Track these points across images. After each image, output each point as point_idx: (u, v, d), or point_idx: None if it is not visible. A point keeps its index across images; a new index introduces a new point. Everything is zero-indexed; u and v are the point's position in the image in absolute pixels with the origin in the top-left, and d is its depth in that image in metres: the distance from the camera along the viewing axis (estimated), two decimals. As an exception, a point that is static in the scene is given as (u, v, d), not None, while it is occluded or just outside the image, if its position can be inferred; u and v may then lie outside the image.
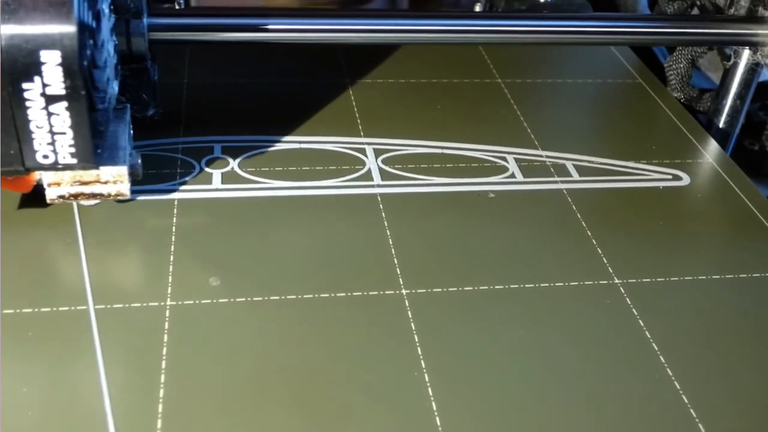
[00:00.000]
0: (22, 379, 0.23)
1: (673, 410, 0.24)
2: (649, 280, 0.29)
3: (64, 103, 0.24)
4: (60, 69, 0.24)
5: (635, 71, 0.45)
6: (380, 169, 0.34)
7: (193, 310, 0.26)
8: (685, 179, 0.36)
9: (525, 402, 0.24)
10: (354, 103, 0.39)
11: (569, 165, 0.36)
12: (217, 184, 0.32)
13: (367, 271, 0.28)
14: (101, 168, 0.27)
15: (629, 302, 0.28)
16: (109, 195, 0.28)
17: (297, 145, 0.35)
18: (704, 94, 0.45)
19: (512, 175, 0.34)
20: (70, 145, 0.25)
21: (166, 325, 0.25)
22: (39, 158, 0.25)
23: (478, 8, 0.52)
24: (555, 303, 0.28)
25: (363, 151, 0.35)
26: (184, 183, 0.32)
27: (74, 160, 0.26)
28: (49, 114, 0.24)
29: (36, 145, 0.25)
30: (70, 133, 0.25)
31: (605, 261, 0.30)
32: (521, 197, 0.33)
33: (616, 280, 0.29)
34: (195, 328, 0.25)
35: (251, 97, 0.39)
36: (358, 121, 0.37)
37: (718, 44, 0.43)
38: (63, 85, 0.24)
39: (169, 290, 0.27)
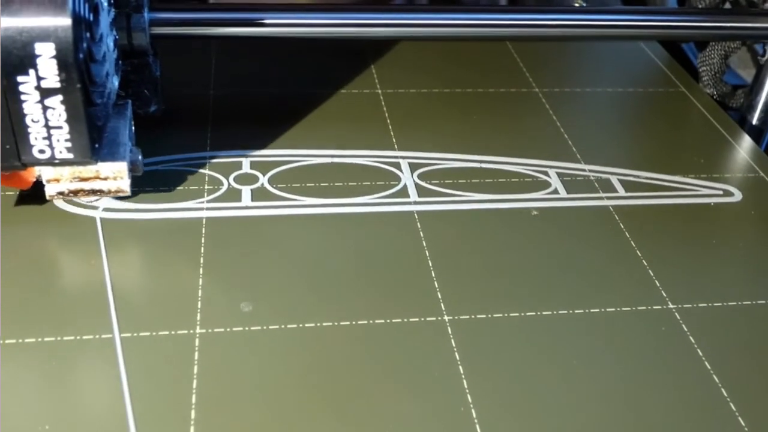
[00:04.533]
0: (44, 413, 0.22)
1: (739, 450, 0.23)
2: (705, 305, 0.28)
3: (60, 97, 0.24)
4: (54, 62, 0.23)
5: (676, 78, 0.43)
6: (416, 184, 0.32)
7: (224, 338, 0.25)
8: (737, 195, 0.34)
9: (580, 441, 0.22)
10: (387, 115, 0.37)
11: (614, 180, 0.34)
12: (246, 201, 0.30)
13: (406, 296, 0.27)
14: (101, 164, 0.27)
15: (685, 329, 0.27)
16: (110, 191, 0.28)
17: (329, 159, 0.34)
18: (737, 90, 0.44)
19: (555, 191, 0.33)
20: (66, 140, 0.25)
21: (196, 356, 0.24)
22: (35, 153, 0.25)
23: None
24: (607, 330, 0.26)
25: (398, 166, 0.33)
26: (213, 200, 0.30)
27: (71, 155, 0.25)
28: (45, 108, 0.24)
29: (32, 140, 0.25)
30: (66, 128, 0.25)
31: (658, 284, 0.28)
32: (566, 215, 0.31)
33: (671, 305, 0.27)
34: (226, 358, 0.24)
35: (280, 108, 0.37)
36: (392, 133, 0.36)
37: (752, 39, 0.42)
38: (58, 78, 0.24)
39: (199, 317, 0.25)
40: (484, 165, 0.34)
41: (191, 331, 0.25)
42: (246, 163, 0.33)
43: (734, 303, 0.28)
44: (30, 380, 0.23)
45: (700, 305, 0.28)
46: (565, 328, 0.26)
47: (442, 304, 0.27)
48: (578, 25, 0.37)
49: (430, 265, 0.28)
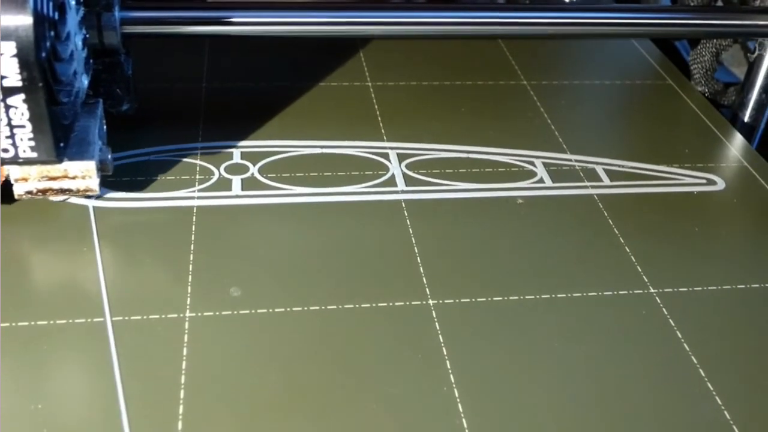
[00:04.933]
0: (37, 395, 0.22)
1: (715, 428, 0.23)
2: (685, 289, 0.28)
3: (22, 96, 0.24)
4: (15, 60, 0.23)
5: (664, 72, 0.44)
6: (404, 174, 0.33)
7: (213, 321, 0.25)
8: (720, 183, 0.34)
9: (560, 418, 0.23)
10: (376, 106, 0.38)
11: (599, 169, 0.34)
12: (237, 190, 0.31)
13: (393, 281, 0.27)
14: (69, 163, 0.27)
15: (665, 312, 0.27)
16: (78, 191, 0.28)
17: (318, 150, 0.34)
18: (729, 87, 0.44)
19: (541, 180, 0.33)
20: (30, 139, 0.25)
21: (186, 338, 0.25)
22: (3, 152, 0.25)
23: None
24: (589, 314, 0.27)
25: (386, 156, 0.34)
26: (204, 189, 0.31)
27: (35, 154, 0.25)
28: (7, 107, 0.24)
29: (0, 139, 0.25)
30: (29, 126, 0.25)
31: (639, 269, 0.29)
32: (551, 203, 0.32)
33: (652, 290, 0.28)
34: (215, 341, 0.25)
35: (271, 100, 0.38)
36: (381, 124, 0.36)
37: (743, 36, 0.42)
38: (19, 77, 0.23)
39: (189, 301, 0.26)
40: (471, 155, 0.35)
41: (181, 315, 0.25)
42: (237, 153, 0.33)
43: (714, 287, 0.28)
44: (23, 362, 0.23)
45: (681, 290, 0.28)
46: (548, 312, 0.27)
47: (427, 289, 0.27)
48: (571, 23, 0.37)
49: (417, 251, 0.29)
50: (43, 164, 0.26)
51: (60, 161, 0.26)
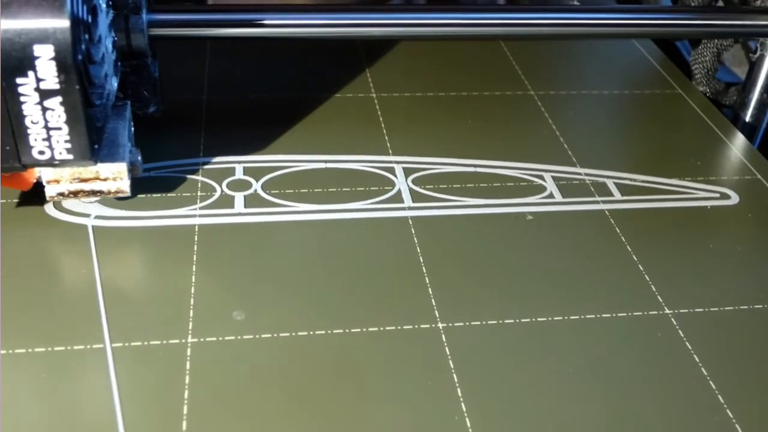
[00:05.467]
0: (35, 426, 0.21)
1: (736, 457, 0.22)
2: (701, 309, 0.27)
3: (59, 98, 0.24)
4: (53, 63, 0.23)
5: (672, 79, 0.43)
6: (411, 189, 0.32)
7: (216, 347, 0.24)
8: (734, 198, 0.34)
9: (576, 449, 0.22)
10: (381, 119, 0.37)
11: (610, 183, 0.34)
12: (239, 207, 0.30)
13: (400, 303, 0.27)
14: (100, 165, 0.27)
15: (682, 335, 0.26)
16: (109, 192, 0.28)
17: (323, 165, 0.33)
18: (730, 87, 0.44)
19: (550, 195, 0.32)
20: (66, 141, 0.25)
21: (188, 365, 0.24)
22: (35, 154, 0.25)
23: None
24: (603, 336, 0.26)
25: (392, 171, 0.33)
26: (205, 207, 0.30)
27: (70, 156, 0.25)
28: (44, 109, 0.24)
29: (32, 141, 0.25)
30: (65, 129, 0.25)
31: (654, 289, 0.28)
32: (561, 219, 0.31)
33: (667, 311, 0.27)
34: (218, 368, 0.24)
35: (274, 112, 0.37)
36: (386, 137, 0.36)
37: (744, 36, 0.41)
38: (57, 80, 0.24)
39: (191, 326, 0.25)
40: (479, 169, 0.34)
41: (183, 341, 0.25)
42: (239, 168, 0.33)
43: (731, 308, 0.28)
44: (21, 392, 0.23)
45: (697, 310, 0.27)
46: (561, 335, 0.26)
47: (436, 311, 0.26)
48: (572, 24, 0.36)
49: (425, 271, 0.28)
50: (78, 166, 0.27)
51: (95, 163, 0.26)
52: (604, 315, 0.27)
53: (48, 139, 0.25)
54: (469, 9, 0.36)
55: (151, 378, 0.23)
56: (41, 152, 0.25)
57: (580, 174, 0.34)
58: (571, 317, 0.27)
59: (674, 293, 0.28)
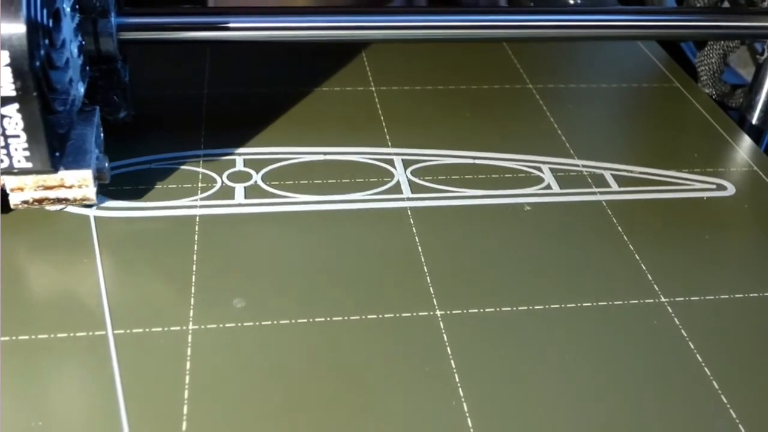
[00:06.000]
0: (37, 411, 0.22)
1: (730, 442, 0.23)
2: (697, 298, 0.28)
3: (15, 105, 0.23)
4: (9, 70, 0.23)
5: (671, 74, 0.43)
6: (409, 181, 0.32)
7: (217, 334, 0.25)
8: (730, 189, 0.34)
9: (573, 430, 0.22)
10: (380, 112, 0.37)
11: (607, 175, 0.34)
12: (239, 198, 0.31)
13: (399, 291, 0.27)
14: (65, 172, 0.26)
15: (677, 323, 0.27)
16: (75, 200, 0.27)
17: (322, 157, 0.34)
18: (736, 89, 0.44)
19: (548, 187, 0.33)
20: (24, 149, 0.25)
21: (189, 352, 0.24)
22: None
23: None
24: (599, 324, 0.26)
25: (391, 162, 0.34)
26: (206, 198, 0.30)
27: (30, 164, 0.25)
28: (1, 116, 0.24)
29: None
30: (23, 136, 0.24)
31: (650, 278, 0.28)
32: (558, 210, 0.32)
33: (663, 299, 0.28)
34: (219, 354, 0.24)
35: (274, 106, 0.37)
36: (386, 130, 0.36)
37: (750, 38, 0.41)
38: (13, 87, 0.23)
39: (191, 313, 0.25)
40: (477, 161, 0.34)
41: (184, 328, 0.25)
42: (239, 160, 0.33)
43: (726, 296, 0.28)
44: (24, 377, 0.23)
45: (692, 299, 0.28)
46: (557, 323, 0.26)
47: (434, 299, 0.27)
48: (575, 26, 0.36)
49: (423, 260, 0.28)
50: (38, 174, 0.26)
51: (56, 171, 0.26)
52: (600, 303, 0.27)
53: (6, 147, 0.24)
54: (472, 11, 0.36)
55: (153, 364, 0.24)
56: (4, 160, 0.25)
57: (577, 165, 0.34)
58: (568, 305, 0.27)
59: (670, 282, 0.28)
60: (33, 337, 0.24)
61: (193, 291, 0.26)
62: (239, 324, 0.25)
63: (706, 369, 0.25)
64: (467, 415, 0.23)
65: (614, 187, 0.33)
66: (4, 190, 0.27)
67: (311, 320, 0.25)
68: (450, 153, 0.35)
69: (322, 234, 0.29)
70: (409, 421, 0.22)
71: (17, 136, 0.24)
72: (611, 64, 0.45)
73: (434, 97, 0.39)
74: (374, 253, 0.29)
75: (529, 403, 0.23)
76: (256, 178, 0.32)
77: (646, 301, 0.27)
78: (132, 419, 0.22)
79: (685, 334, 0.26)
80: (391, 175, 0.33)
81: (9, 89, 0.23)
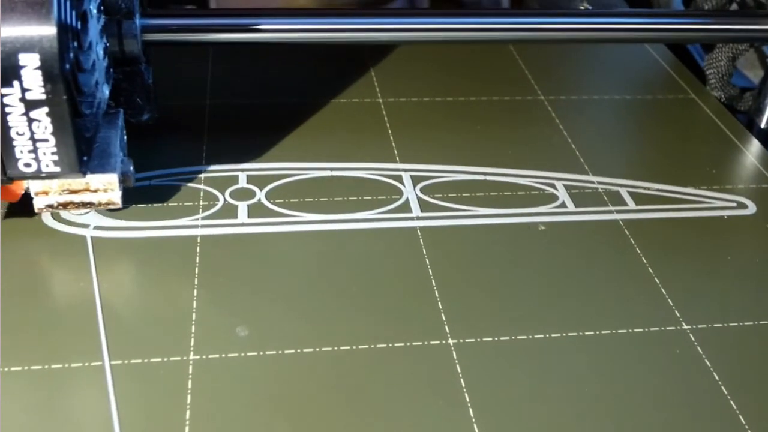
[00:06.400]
0: (30, 450, 0.21)
1: (760, 482, 0.21)
2: (720, 325, 0.27)
3: (45, 109, 0.23)
4: (39, 73, 0.22)
5: (686, 84, 0.42)
6: (419, 198, 0.31)
7: (219, 365, 0.24)
8: (751, 207, 0.33)
9: (593, 474, 0.21)
10: (388, 125, 0.36)
11: (623, 192, 0.33)
12: (242, 217, 0.29)
13: (409, 318, 0.26)
14: (91, 176, 0.26)
15: (700, 351, 0.25)
16: (100, 204, 0.27)
17: (328, 173, 0.32)
18: (745, 92, 0.43)
19: (563, 205, 0.32)
20: (53, 153, 0.24)
21: (190, 384, 0.23)
22: (21, 166, 0.24)
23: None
24: (619, 353, 0.25)
25: (399, 179, 0.32)
26: (208, 217, 0.29)
27: (58, 169, 0.24)
28: (30, 120, 0.23)
29: (17, 153, 0.24)
30: (52, 140, 0.24)
31: (671, 303, 0.27)
32: (574, 229, 0.30)
33: (685, 326, 0.26)
34: (221, 386, 0.23)
35: (278, 118, 0.36)
36: (393, 144, 0.35)
37: (759, 41, 0.41)
38: (43, 90, 0.23)
39: (192, 342, 0.24)
40: (488, 177, 0.33)
41: (185, 358, 0.24)
42: (242, 177, 0.32)
43: (751, 323, 0.27)
44: (16, 411, 0.22)
45: (716, 325, 0.26)
46: (575, 352, 0.25)
47: (446, 327, 0.25)
48: (583, 29, 0.36)
49: (434, 284, 0.27)
50: (66, 179, 0.26)
51: (84, 175, 0.25)
52: (620, 331, 0.26)
53: (34, 151, 0.24)
54: (479, 14, 0.36)
55: (152, 397, 0.22)
56: (27, 164, 0.24)
57: (592, 182, 0.33)
58: (586, 333, 0.26)
59: (692, 308, 0.27)
60: (26, 368, 0.23)
61: (194, 318, 0.25)
62: (242, 354, 0.24)
63: (731, 402, 0.24)
64: (483, 453, 0.21)
65: (631, 205, 0.32)
66: (28, 194, 0.27)
67: (317, 350, 0.24)
68: (460, 169, 0.33)
69: (328, 256, 0.28)
70: (422, 460, 0.21)
71: (46, 140, 0.24)
72: (621, 71, 0.44)
73: (443, 110, 0.38)
74: (383, 276, 0.27)
75: (547, 440, 0.22)
76: (260, 195, 0.31)
77: (668, 328, 0.26)
78: (129, 458, 0.21)
79: (709, 364, 0.25)
80: (400, 193, 0.32)
81: (39, 92, 0.23)
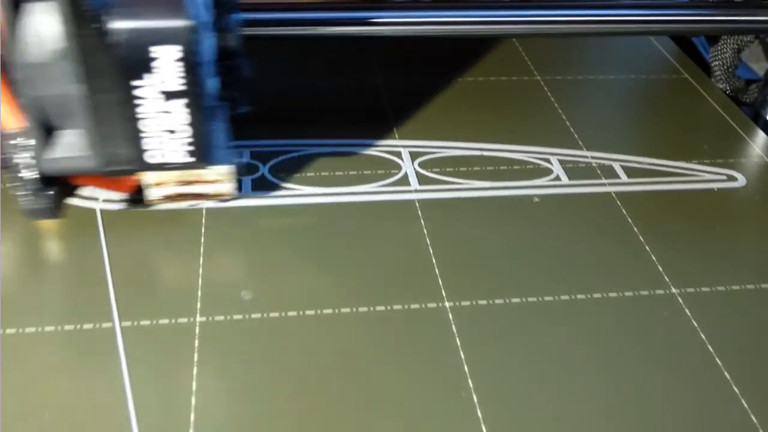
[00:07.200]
0: (44, 404, 0.22)
1: (743, 432, 0.22)
2: (708, 289, 0.27)
3: (181, 100, 0.24)
4: (179, 65, 0.23)
5: (680, 65, 0.43)
6: (417, 172, 0.32)
7: (224, 326, 0.25)
8: (741, 180, 0.33)
9: (581, 423, 0.22)
10: (387, 103, 0.37)
11: (616, 166, 0.34)
12: (246, 191, 0.30)
13: (408, 283, 0.27)
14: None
15: (689, 314, 0.26)
16: (213, 195, 0.27)
17: (329, 149, 0.33)
18: (750, 84, 0.43)
19: (557, 178, 0.33)
20: (183, 144, 0.25)
21: (196, 343, 0.24)
22: (152, 157, 0.25)
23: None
24: (609, 315, 0.26)
25: (398, 154, 0.33)
26: (213, 190, 0.30)
27: (188, 159, 0.25)
28: (164, 112, 0.24)
29: (150, 144, 0.24)
30: (184, 131, 0.24)
31: (660, 269, 0.28)
32: (568, 201, 0.31)
33: (674, 290, 0.27)
34: (226, 346, 0.24)
35: (280, 98, 0.37)
36: (393, 121, 0.36)
37: (765, 32, 0.41)
38: (181, 81, 0.23)
39: (199, 305, 0.25)
40: (485, 153, 0.34)
41: (191, 320, 0.25)
42: (246, 153, 0.33)
43: (737, 287, 0.28)
44: (30, 370, 0.23)
45: (704, 289, 0.27)
46: (567, 314, 0.26)
47: (443, 291, 0.26)
48: (586, 21, 0.36)
49: (431, 252, 0.28)
50: (194, 169, 0.26)
51: (209, 166, 0.26)
52: (610, 294, 0.27)
53: (167, 141, 0.24)
54: (480, 6, 0.35)
55: (161, 356, 0.23)
56: (160, 156, 0.25)
57: (586, 157, 0.34)
58: (578, 296, 0.27)
59: (680, 273, 0.28)
60: (40, 329, 0.24)
61: (200, 283, 0.26)
62: (247, 316, 0.25)
63: (717, 360, 0.25)
64: (477, 405, 0.22)
65: (623, 178, 0.33)
66: (141, 185, 0.27)
67: (319, 312, 0.25)
68: (458, 145, 0.34)
69: (329, 226, 0.29)
70: (418, 412, 0.22)
71: (177, 132, 0.24)
72: (620, 56, 0.45)
73: (441, 88, 0.39)
74: (382, 245, 0.28)
75: (538, 394, 0.23)
76: (263, 170, 0.32)
77: (657, 292, 0.27)
78: (140, 410, 0.22)
79: (696, 325, 0.26)
80: (399, 167, 0.33)
81: (177, 84, 0.23)
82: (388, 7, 0.35)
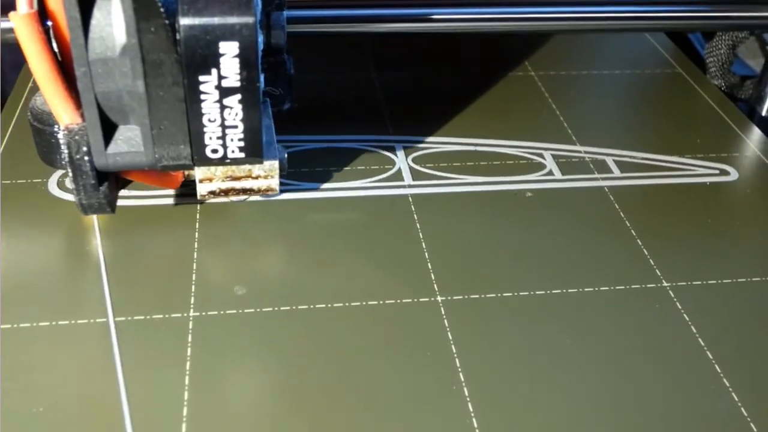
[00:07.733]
0: (38, 398, 0.22)
1: (732, 424, 0.23)
2: (699, 282, 0.28)
3: (239, 96, 0.24)
4: (237, 60, 0.23)
5: (674, 60, 0.43)
6: (411, 168, 0.32)
7: (218, 321, 0.25)
8: (733, 174, 0.34)
9: (572, 415, 0.22)
10: (382, 99, 0.37)
11: (609, 161, 0.34)
12: (241, 186, 0.31)
13: (400, 278, 0.27)
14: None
15: (679, 307, 0.27)
16: (260, 190, 0.28)
17: (323, 145, 0.34)
18: (745, 81, 0.43)
19: (550, 173, 0.33)
20: (240, 139, 0.25)
21: (190, 338, 0.24)
22: (208, 153, 0.25)
23: None
24: (601, 309, 0.26)
25: (392, 150, 0.33)
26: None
27: (243, 155, 0.25)
28: (223, 107, 0.24)
29: (207, 140, 0.25)
30: (241, 127, 0.25)
31: (652, 263, 0.28)
32: (560, 196, 0.31)
33: (665, 283, 0.27)
34: (220, 341, 0.24)
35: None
36: (387, 117, 0.36)
37: (760, 29, 0.41)
38: (239, 77, 0.23)
39: (192, 300, 0.25)
40: (478, 148, 0.34)
41: (185, 314, 0.25)
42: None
43: (729, 280, 0.28)
44: (25, 364, 0.23)
45: (695, 283, 0.28)
46: (559, 308, 0.26)
47: (435, 285, 0.27)
48: (582, 18, 0.36)
49: (424, 247, 0.28)
50: (248, 164, 0.27)
51: (263, 161, 0.26)
52: (602, 288, 0.27)
53: (223, 137, 0.25)
54: (475, 3, 0.36)
55: (154, 351, 0.24)
56: (215, 151, 0.25)
57: (579, 152, 0.34)
58: (569, 290, 0.27)
59: (672, 266, 0.28)
60: (34, 324, 0.24)
61: (194, 278, 0.26)
62: (240, 310, 0.25)
63: (708, 352, 0.25)
64: (468, 399, 0.23)
65: (616, 172, 0.33)
66: (186, 180, 0.28)
67: (312, 306, 0.25)
68: (451, 140, 0.35)
69: (323, 221, 0.29)
70: (410, 405, 0.22)
71: (235, 127, 0.25)
72: (615, 51, 0.45)
73: (435, 84, 0.39)
74: (375, 240, 0.29)
75: (530, 388, 0.23)
76: (257, 166, 0.32)
77: (648, 285, 0.27)
78: (133, 405, 0.22)
79: (687, 318, 0.26)
80: (393, 163, 0.33)
81: (234, 80, 0.23)
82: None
